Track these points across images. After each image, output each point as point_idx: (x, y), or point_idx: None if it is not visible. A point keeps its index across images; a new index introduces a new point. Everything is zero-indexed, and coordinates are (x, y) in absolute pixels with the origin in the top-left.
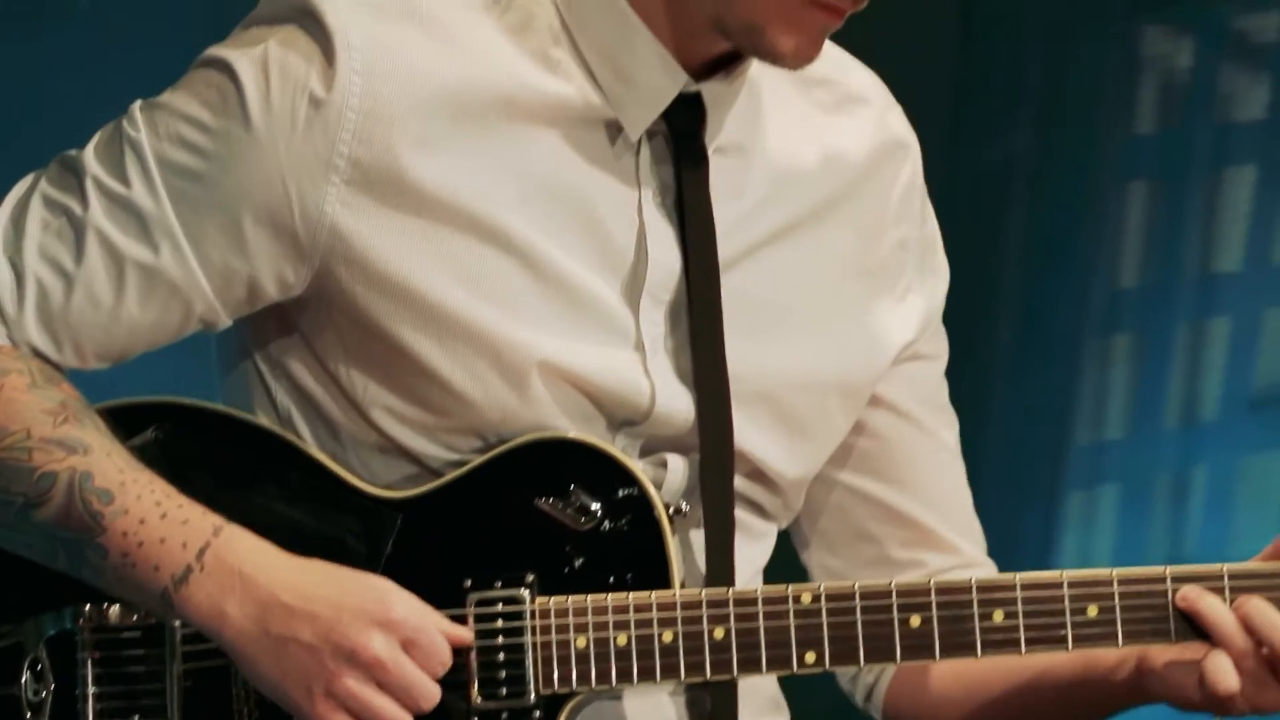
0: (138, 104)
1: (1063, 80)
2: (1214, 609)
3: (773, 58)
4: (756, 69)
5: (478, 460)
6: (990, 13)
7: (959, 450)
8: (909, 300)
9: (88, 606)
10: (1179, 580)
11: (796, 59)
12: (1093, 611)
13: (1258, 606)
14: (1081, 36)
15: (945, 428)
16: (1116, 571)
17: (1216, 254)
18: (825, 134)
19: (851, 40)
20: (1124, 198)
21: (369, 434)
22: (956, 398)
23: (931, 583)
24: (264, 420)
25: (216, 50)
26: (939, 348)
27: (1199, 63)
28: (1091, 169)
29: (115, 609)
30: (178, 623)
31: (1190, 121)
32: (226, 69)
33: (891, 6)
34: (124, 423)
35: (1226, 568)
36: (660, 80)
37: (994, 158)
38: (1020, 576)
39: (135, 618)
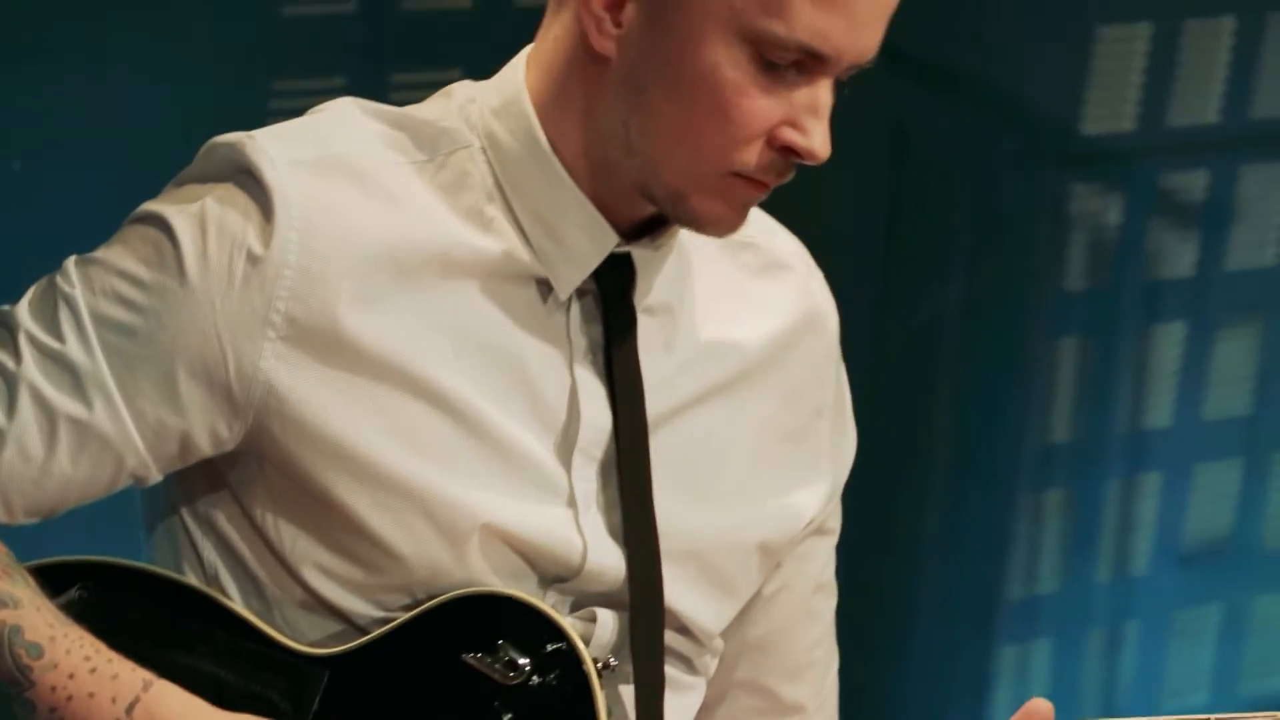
0: (72, 259)
1: (992, 237)
2: None
3: (696, 225)
4: (685, 230)
5: (405, 616)
6: (918, 171)
7: (833, 625)
8: (820, 469)
9: None
10: None
11: (720, 228)
12: None
13: None
14: (1010, 194)
15: (826, 603)
16: None
17: (1147, 410)
18: (752, 298)
19: (782, 201)
20: (1054, 354)
21: (295, 591)
22: (889, 553)
23: None
24: (190, 578)
25: (151, 206)
26: (838, 523)
27: (1127, 220)
28: (1022, 326)
29: None
30: None
31: (1120, 278)
32: (163, 225)
33: (821, 169)
34: (49, 582)
35: None
36: (590, 241)
37: (925, 316)
38: None
39: None
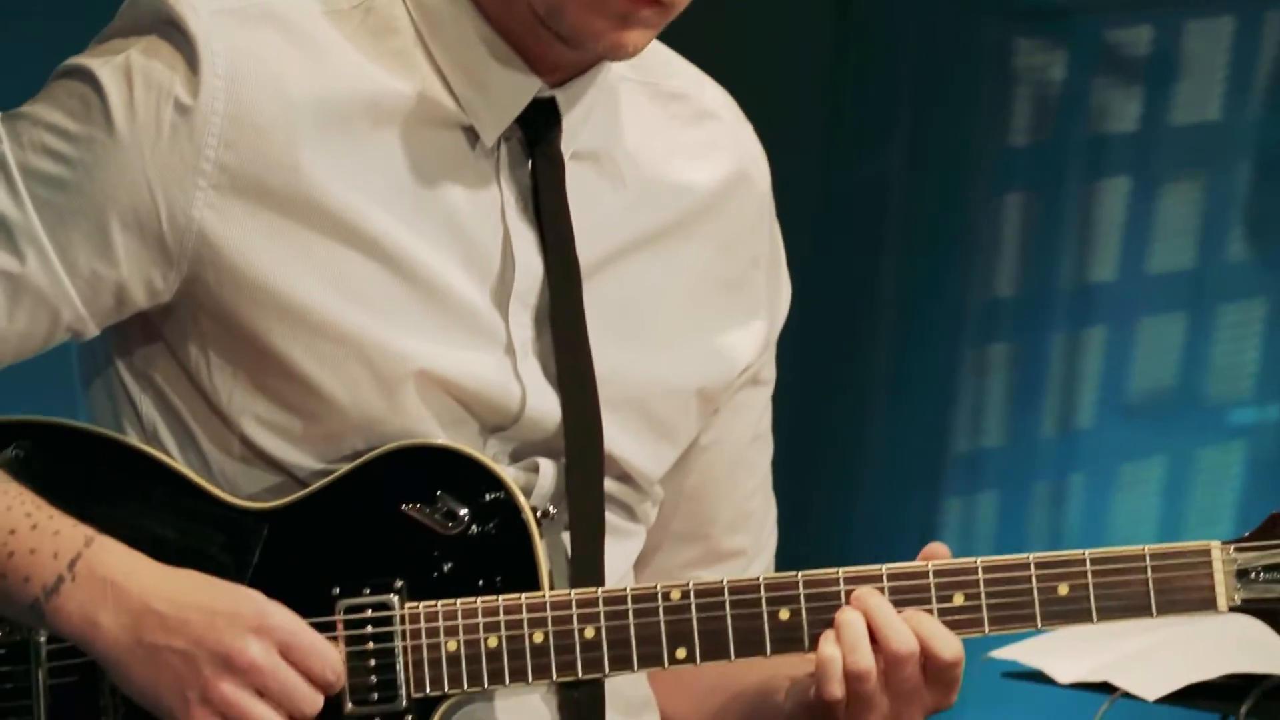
0: None
1: (937, 94)
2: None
3: (579, 43)
4: (616, 80)
5: (344, 468)
6: (863, 27)
7: (770, 475)
8: (757, 316)
9: None
10: (1041, 566)
11: (607, 45)
12: (959, 599)
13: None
14: (955, 50)
15: (762, 454)
16: (982, 560)
17: (1091, 264)
18: (684, 148)
19: (727, 61)
20: (999, 209)
21: (234, 445)
22: (837, 406)
23: (799, 576)
24: (130, 435)
25: (77, 60)
26: (772, 373)
27: (1072, 75)
28: (967, 182)
29: None
30: (43, 636)
31: (1064, 133)
32: (89, 78)
33: (767, 25)
34: None
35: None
36: (512, 86)
37: (870, 173)
38: (887, 567)
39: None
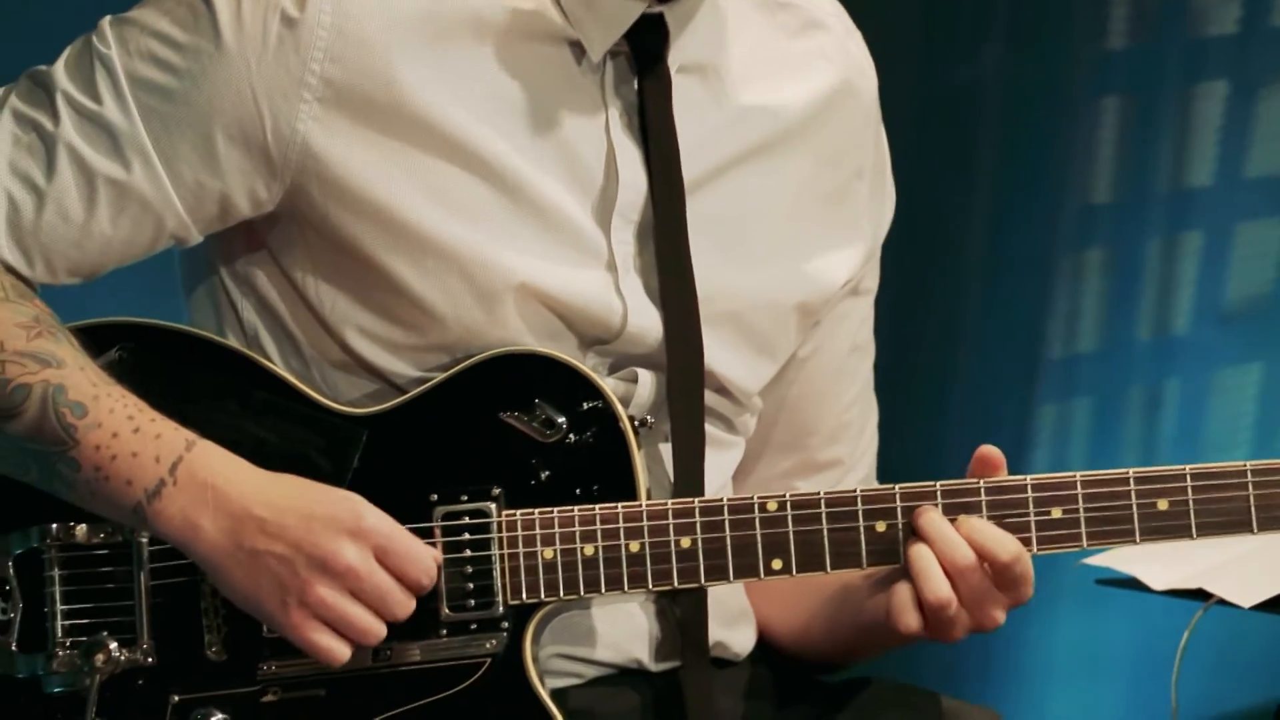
0: (107, 20)
1: None
2: (933, 524)
3: None
4: None
5: (443, 375)
6: None
7: (871, 382)
8: (860, 229)
9: (54, 525)
10: (1141, 481)
11: None
12: (1056, 513)
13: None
14: None
15: (862, 363)
16: (1081, 475)
17: (1188, 169)
18: (789, 59)
19: None
20: (1096, 113)
21: (335, 352)
22: (930, 313)
23: (896, 489)
24: (231, 339)
25: None
26: (874, 282)
27: None
28: (1064, 85)
29: (82, 528)
30: (145, 538)
31: (1162, 36)
32: None
33: None
34: (90, 342)
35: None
36: (621, 2)
37: (966, 75)
38: (984, 482)
39: (102, 535)
